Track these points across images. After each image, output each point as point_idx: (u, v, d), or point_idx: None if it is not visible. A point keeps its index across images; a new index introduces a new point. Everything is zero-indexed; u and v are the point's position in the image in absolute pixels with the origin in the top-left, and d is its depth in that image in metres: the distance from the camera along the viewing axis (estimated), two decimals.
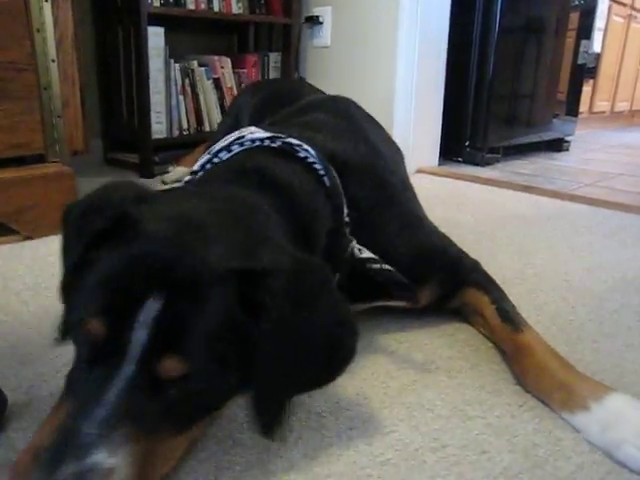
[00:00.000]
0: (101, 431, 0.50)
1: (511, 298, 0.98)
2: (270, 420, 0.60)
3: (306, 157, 0.85)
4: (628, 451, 0.69)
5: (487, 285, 1.01)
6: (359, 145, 0.98)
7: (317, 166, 0.85)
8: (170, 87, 2.35)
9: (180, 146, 2.43)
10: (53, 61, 1.55)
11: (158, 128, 2.32)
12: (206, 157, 0.88)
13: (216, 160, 0.87)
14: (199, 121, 2.51)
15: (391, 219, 0.94)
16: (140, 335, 0.53)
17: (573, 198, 2.12)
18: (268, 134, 0.86)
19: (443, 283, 1.00)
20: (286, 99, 1.36)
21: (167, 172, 2.19)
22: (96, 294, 0.56)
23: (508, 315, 0.92)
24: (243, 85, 2.61)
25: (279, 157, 0.84)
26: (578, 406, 0.75)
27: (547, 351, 0.84)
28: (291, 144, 0.85)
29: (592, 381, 0.79)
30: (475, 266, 1.05)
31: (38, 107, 1.50)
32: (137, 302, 0.53)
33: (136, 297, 0.54)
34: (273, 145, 0.86)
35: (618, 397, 0.74)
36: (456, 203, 2.01)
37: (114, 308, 0.54)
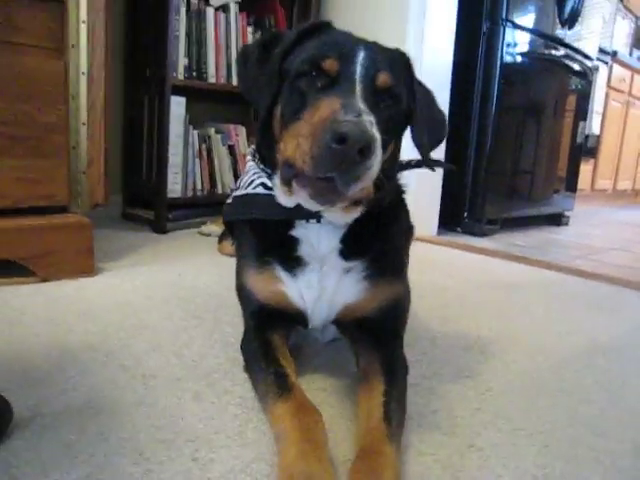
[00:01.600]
0: (365, 108, 0.78)
1: (483, 356, 1.06)
2: (426, 153, 0.98)
3: None
4: None
5: (396, 378, 0.93)
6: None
7: None
8: (188, 151, 2.54)
9: (193, 205, 2.60)
10: (83, 124, 1.74)
11: (174, 188, 2.49)
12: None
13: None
14: (212, 183, 2.69)
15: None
16: (361, 66, 0.85)
17: (561, 269, 2.22)
18: None
19: (379, 345, 0.99)
20: None
21: (203, 224, 2.45)
22: (324, 48, 0.88)
23: (391, 418, 0.82)
24: None
25: None
26: None
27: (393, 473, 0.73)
28: None
29: None
30: (405, 363, 1.01)
31: (66, 164, 1.67)
32: (353, 52, 0.87)
33: (351, 50, 0.87)
34: None
35: None
36: (447, 269, 2.12)
37: (340, 53, 0.86)
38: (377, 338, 1.00)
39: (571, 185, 3.85)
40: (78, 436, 0.83)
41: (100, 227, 1.80)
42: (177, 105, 2.45)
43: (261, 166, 1.02)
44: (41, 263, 1.60)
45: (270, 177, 0.99)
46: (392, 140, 0.92)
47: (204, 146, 2.63)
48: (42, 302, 1.41)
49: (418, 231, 2.65)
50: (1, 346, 1.14)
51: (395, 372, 0.94)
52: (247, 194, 1.04)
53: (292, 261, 1.01)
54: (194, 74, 2.53)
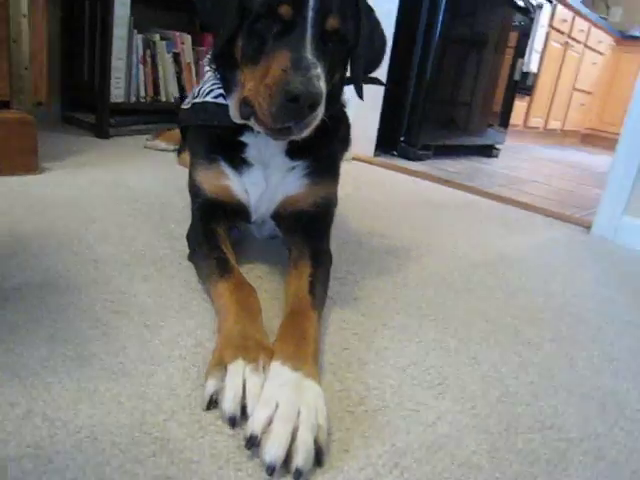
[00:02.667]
0: (314, 58, 0.89)
1: (402, 259, 1.22)
2: (359, 87, 1.10)
3: None
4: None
5: (321, 265, 1.07)
6: None
7: None
8: (131, 55, 2.51)
9: (136, 112, 2.60)
10: (24, 16, 1.70)
11: (117, 92, 2.48)
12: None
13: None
14: (156, 91, 2.67)
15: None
16: (312, 11, 0.92)
17: (484, 194, 2.42)
18: None
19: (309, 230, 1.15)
20: None
21: (147, 139, 2.38)
22: None
23: (316, 292, 0.96)
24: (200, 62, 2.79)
25: None
26: (290, 365, 0.76)
27: (315, 333, 0.86)
28: None
29: (315, 372, 0.78)
30: (327, 253, 1.16)
31: (6, 58, 1.65)
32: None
33: None
34: None
35: (316, 387, 0.74)
36: (380, 187, 2.27)
37: (293, 2, 0.92)
38: (309, 231, 1.15)
39: (504, 120, 4.04)
40: (39, 306, 0.93)
41: (40, 129, 1.80)
42: (121, 5, 2.39)
43: (219, 80, 1.13)
44: None
45: (226, 92, 1.11)
46: (338, 70, 1.05)
47: (148, 52, 2.60)
48: None
49: (356, 150, 2.79)
50: None
51: (321, 261, 1.09)
52: (206, 102, 1.16)
53: (239, 161, 1.14)
54: None
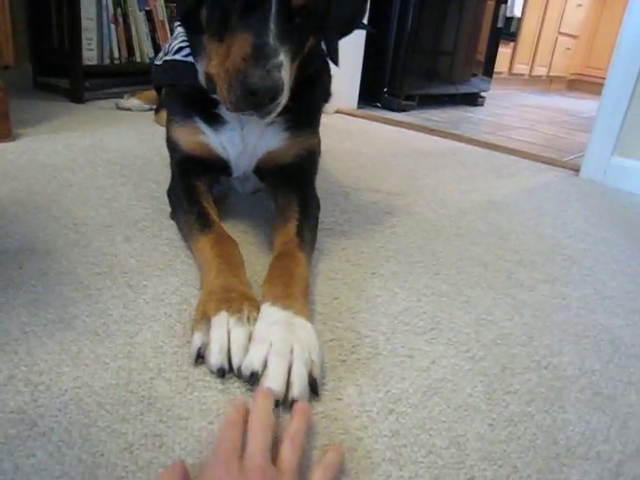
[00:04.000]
0: (278, 42, 0.83)
1: (390, 207, 1.19)
2: (334, 49, 1.01)
3: None
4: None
5: (309, 210, 1.06)
6: None
7: None
8: (102, 15, 2.40)
9: (111, 74, 2.50)
10: None
11: (89, 55, 2.38)
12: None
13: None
14: (130, 51, 2.58)
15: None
16: None
17: (470, 141, 2.38)
18: None
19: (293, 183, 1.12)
20: None
21: (121, 98, 2.30)
22: None
23: (304, 236, 0.97)
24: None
25: None
26: (281, 305, 0.76)
27: (304, 272, 0.87)
28: None
29: (305, 309, 0.79)
30: (317, 201, 1.15)
31: None
32: None
33: None
34: None
35: (307, 324, 0.75)
36: (365, 139, 2.22)
37: None
38: (293, 181, 1.12)
39: (489, 68, 3.95)
40: (18, 272, 0.90)
41: (12, 96, 1.73)
42: None
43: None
44: None
45: (194, 55, 1.05)
46: (309, 39, 0.96)
47: (119, 10, 2.49)
48: None
49: (339, 103, 2.73)
50: None
51: (308, 206, 1.07)
52: (176, 60, 1.10)
53: (214, 118, 1.08)
54: None
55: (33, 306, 0.81)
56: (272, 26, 0.83)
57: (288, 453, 0.56)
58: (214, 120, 1.09)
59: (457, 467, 0.61)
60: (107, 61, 2.49)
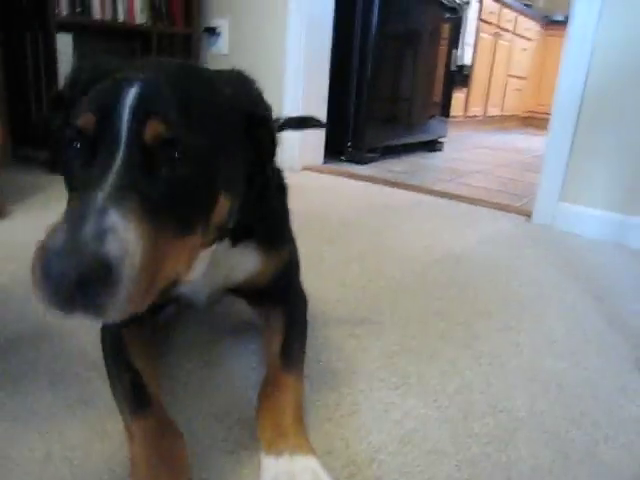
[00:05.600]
0: (112, 200, 0.55)
1: (361, 266, 1.33)
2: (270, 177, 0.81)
3: None
4: None
5: (296, 320, 1.00)
6: None
7: None
8: None
9: None
10: None
11: None
12: None
13: None
14: None
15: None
16: (126, 113, 0.60)
17: (430, 192, 2.57)
18: None
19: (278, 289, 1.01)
20: None
21: None
22: (84, 104, 0.63)
23: (291, 352, 0.91)
24: None
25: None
26: (276, 451, 0.74)
27: (294, 397, 0.83)
28: None
29: (302, 441, 0.76)
30: (304, 299, 1.07)
31: None
32: (120, 95, 0.61)
33: (119, 92, 0.61)
34: None
35: (307, 461, 0.73)
36: (333, 196, 2.39)
37: (101, 105, 0.61)
38: (275, 297, 1.02)
39: (445, 111, 4.22)
40: (36, 354, 1.01)
41: None
42: (64, 43, 2.43)
43: None
44: None
45: None
46: (230, 187, 0.71)
47: None
48: None
49: (305, 160, 2.90)
50: None
51: (294, 313, 1.00)
52: None
53: None
54: (77, 10, 2.50)
55: (55, 387, 0.92)
56: (114, 172, 0.58)
57: None
58: None
59: None
60: None
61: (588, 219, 2.10)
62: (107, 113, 0.60)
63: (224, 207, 0.71)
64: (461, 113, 5.51)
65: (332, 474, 0.77)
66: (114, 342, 0.89)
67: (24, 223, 1.71)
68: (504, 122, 6.82)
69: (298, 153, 2.83)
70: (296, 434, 0.76)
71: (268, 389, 0.84)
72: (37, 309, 1.17)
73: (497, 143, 5.14)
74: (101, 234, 0.52)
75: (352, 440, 0.85)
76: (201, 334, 1.13)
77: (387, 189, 2.60)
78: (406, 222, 2.07)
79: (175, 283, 0.66)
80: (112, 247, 0.52)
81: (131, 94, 0.61)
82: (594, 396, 1.03)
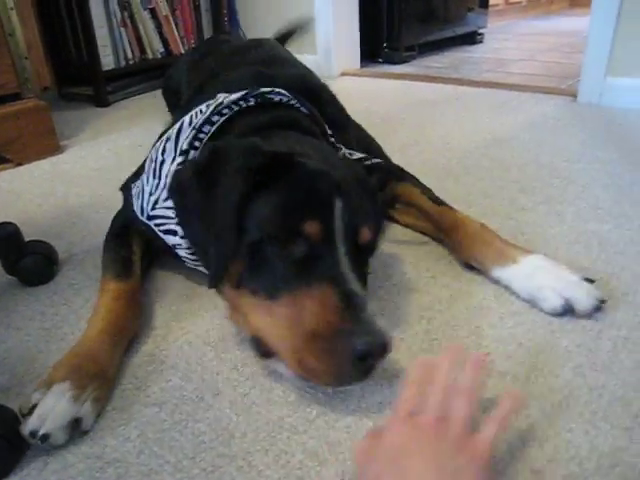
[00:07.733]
0: (361, 291, 0.71)
1: (405, 155, 1.36)
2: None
3: (286, 100, 0.98)
4: (546, 294, 0.86)
5: (415, 180, 1.20)
6: (306, 76, 1.20)
7: (295, 104, 0.99)
8: (111, 21, 2.58)
9: (128, 75, 2.70)
10: (11, 9, 1.80)
11: (106, 60, 2.57)
12: (190, 133, 0.89)
13: (202, 136, 0.90)
14: (142, 50, 2.76)
15: (349, 130, 1.20)
16: (341, 222, 0.74)
17: (471, 83, 2.51)
18: (239, 95, 0.94)
19: (382, 176, 1.13)
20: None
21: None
22: (299, 203, 0.74)
23: (439, 200, 1.12)
24: (177, 12, 2.85)
25: (275, 109, 0.96)
26: (508, 261, 0.92)
27: (478, 224, 1.02)
28: (265, 94, 0.96)
29: (517, 245, 0.97)
30: (401, 168, 1.24)
31: (8, 52, 1.77)
32: (331, 204, 0.74)
33: (329, 201, 0.74)
34: (253, 103, 0.95)
35: (539, 256, 0.92)
36: (373, 97, 2.38)
37: (320, 210, 0.74)
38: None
39: (484, 1, 4.00)
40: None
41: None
42: None
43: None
44: (13, 149, 1.77)
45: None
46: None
47: (126, 14, 2.66)
48: (28, 181, 1.62)
49: (343, 66, 2.86)
50: (12, 218, 1.37)
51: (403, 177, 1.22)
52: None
53: None
54: None
55: None
56: (347, 271, 0.71)
57: (461, 406, 0.58)
58: None
59: None
60: (123, 63, 2.68)
61: (638, 91, 2.02)
62: (326, 222, 0.73)
63: None
64: (502, 1, 5.19)
65: None
66: (120, 231, 1.05)
67: (78, 155, 1.82)
68: (549, 6, 6.39)
69: (335, 59, 2.80)
70: (509, 243, 0.96)
71: (450, 225, 1.05)
72: (105, 225, 1.29)
73: (542, 28, 4.85)
74: (373, 315, 0.70)
75: None
76: None
77: (426, 85, 2.56)
78: (447, 114, 2.05)
79: None
80: (386, 332, 0.68)
81: (339, 201, 0.74)
82: (637, 252, 1.06)
